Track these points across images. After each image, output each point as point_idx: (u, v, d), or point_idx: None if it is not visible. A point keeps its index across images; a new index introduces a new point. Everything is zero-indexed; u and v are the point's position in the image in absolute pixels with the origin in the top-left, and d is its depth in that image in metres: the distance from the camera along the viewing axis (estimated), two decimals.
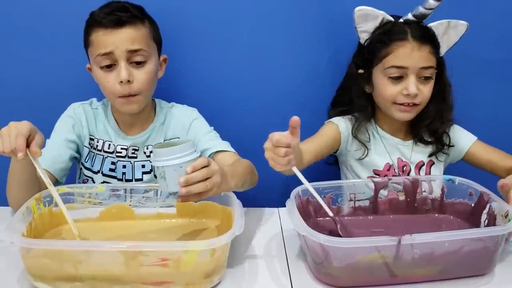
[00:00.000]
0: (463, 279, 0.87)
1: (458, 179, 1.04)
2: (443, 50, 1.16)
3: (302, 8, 1.34)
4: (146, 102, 1.18)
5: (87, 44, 1.15)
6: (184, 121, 1.24)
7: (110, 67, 1.12)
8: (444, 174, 1.24)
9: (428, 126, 1.19)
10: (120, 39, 1.10)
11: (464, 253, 0.84)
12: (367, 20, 1.14)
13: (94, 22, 1.12)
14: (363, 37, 1.16)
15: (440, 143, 1.20)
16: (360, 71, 1.18)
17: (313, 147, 1.14)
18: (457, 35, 1.15)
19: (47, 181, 0.93)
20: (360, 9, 1.13)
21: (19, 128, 0.89)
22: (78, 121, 1.21)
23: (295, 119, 0.86)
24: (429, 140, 1.21)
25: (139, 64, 1.13)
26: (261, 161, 1.18)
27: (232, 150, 1.19)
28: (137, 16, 1.13)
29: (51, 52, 1.33)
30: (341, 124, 1.21)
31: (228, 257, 0.89)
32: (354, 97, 1.20)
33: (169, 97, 1.31)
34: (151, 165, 1.21)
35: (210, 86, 1.39)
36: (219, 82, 1.39)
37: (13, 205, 1.07)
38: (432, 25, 1.14)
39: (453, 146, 1.21)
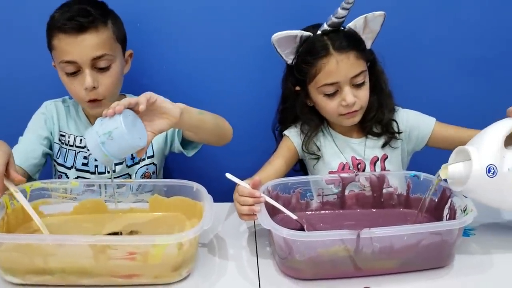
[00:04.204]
0: (423, 271, 0.90)
1: (423, 175, 1.06)
2: (368, 44, 1.16)
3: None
4: (113, 101, 1.19)
5: (50, 46, 1.15)
6: None
7: (74, 73, 1.12)
8: (408, 167, 1.28)
9: (374, 118, 1.21)
10: (83, 47, 1.09)
11: (423, 246, 0.87)
12: (287, 43, 1.13)
13: (55, 27, 1.10)
14: (290, 58, 1.16)
15: (389, 132, 1.22)
16: (297, 88, 1.20)
17: (274, 171, 1.17)
18: (377, 26, 1.15)
19: (13, 188, 0.92)
20: (276, 36, 1.12)
21: None
22: (50, 117, 1.22)
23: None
24: (379, 131, 1.23)
25: (103, 69, 1.13)
26: (238, 155, 1.19)
27: None
28: (99, 19, 1.11)
29: (23, 50, 1.33)
30: (295, 139, 1.23)
31: (198, 251, 0.92)
32: (299, 113, 1.22)
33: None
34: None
35: (190, 82, 1.39)
36: (199, 78, 1.39)
37: None
38: (350, 25, 1.14)
39: (402, 132, 1.22)
